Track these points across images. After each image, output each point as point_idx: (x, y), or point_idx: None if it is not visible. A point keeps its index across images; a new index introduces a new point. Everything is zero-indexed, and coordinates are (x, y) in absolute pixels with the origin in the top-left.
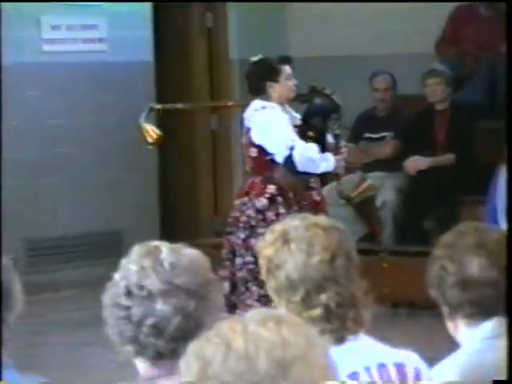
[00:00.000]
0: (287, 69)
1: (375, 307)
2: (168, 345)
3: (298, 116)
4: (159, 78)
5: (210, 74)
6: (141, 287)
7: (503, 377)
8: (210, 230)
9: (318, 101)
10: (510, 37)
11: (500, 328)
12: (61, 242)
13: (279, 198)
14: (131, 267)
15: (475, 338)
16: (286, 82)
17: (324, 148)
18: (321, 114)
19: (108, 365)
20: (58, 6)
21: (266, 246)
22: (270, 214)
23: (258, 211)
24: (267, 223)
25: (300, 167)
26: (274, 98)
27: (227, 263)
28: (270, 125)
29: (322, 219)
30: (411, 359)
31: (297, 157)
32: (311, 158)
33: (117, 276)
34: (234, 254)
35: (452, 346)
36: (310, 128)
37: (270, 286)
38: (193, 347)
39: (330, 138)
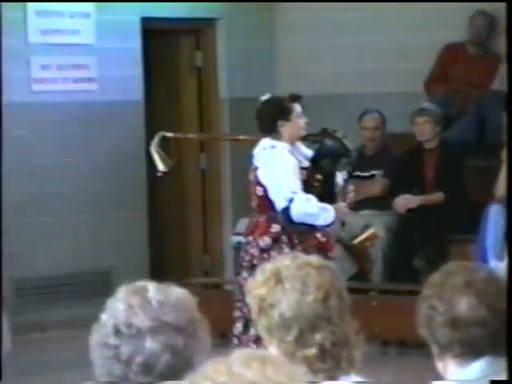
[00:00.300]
0: (298, 107)
1: (365, 346)
2: (158, 382)
3: (310, 153)
4: (149, 116)
5: (199, 113)
6: (129, 325)
7: None
8: (199, 270)
9: (328, 143)
10: (510, 37)
11: (489, 368)
12: (49, 282)
13: (284, 238)
14: (118, 306)
15: (465, 378)
16: (297, 121)
17: (332, 191)
18: (331, 156)
19: None
20: (48, 45)
21: (257, 285)
22: (274, 254)
23: (262, 250)
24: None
25: (296, 220)
26: (285, 137)
27: (238, 304)
28: (275, 170)
29: (313, 258)
30: None
31: (294, 210)
32: (308, 212)
33: (104, 316)
34: (243, 294)
35: None
36: (319, 170)
37: (262, 325)
38: None
39: (339, 181)
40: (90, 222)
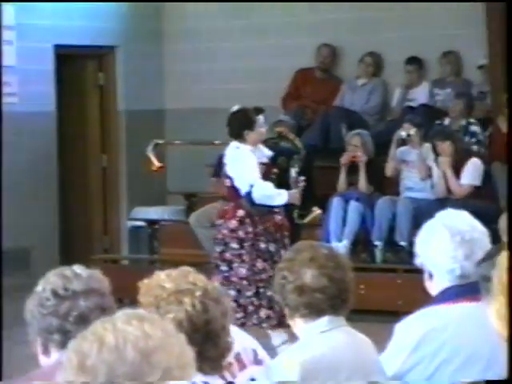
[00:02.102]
0: (261, 118)
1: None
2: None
3: (269, 152)
4: (60, 124)
5: (101, 122)
6: (66, 289)
7: (335, 363)
8: (100, 247)
9: (283, 144)
10: (509, 37)
11: (330, 324)
12: None
13: (247, 220)
14: (54, 278)
15: (312, 332)
16: (259, 130)
17: (287, 182)
18: (285, 154)
19: (17, 357)
20: None
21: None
22: (241, 233)
23: (232, 231)
24: (239, 240)
25: (257, 201)
26: (249, 142)
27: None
28: (239, 164)
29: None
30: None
31: (255, 193)
32: (266, 194)
33: (40, 287)
34: (217, 265)
35: (295, 339)
36: (276, 166)
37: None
38: (72, 344)
39: (292, 173)
40: (12, 209)
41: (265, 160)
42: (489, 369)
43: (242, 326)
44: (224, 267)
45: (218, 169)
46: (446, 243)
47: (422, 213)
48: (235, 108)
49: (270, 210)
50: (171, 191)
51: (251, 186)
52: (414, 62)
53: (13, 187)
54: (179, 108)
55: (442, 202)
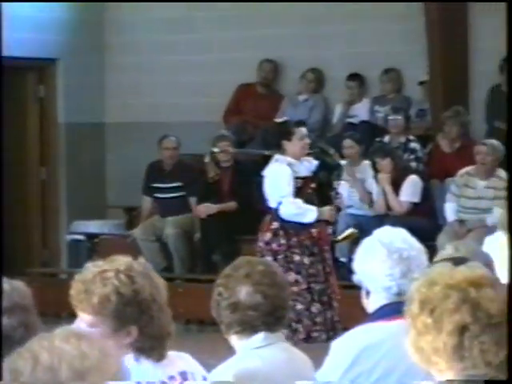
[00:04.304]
0: (302, 130)
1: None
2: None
3: (315, 163)
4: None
5: (41, 134)
6: None
7: (270, 378)
8: (39, 261)
9: (324, 158)
10: (509, 37)
11: (264, 341)
12: None
13: (281, 232)
14: None
15: (245, 348)
16: (299, 142)
17: (327, 197)
18: (326, 169)
19: None
20: None
21: None
22: (274, 245)
23: (266, 243)
24: (273, 252)
25: (285, 218)
26: (289, 153)
27: None
28: (271, 178)
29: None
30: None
31: (281, 211)
32: (293, 213)
33: None
34: None
35: (232, 354)
36: (314, 180)
37: None
38: (7, 361)
39: (334, 189)
40: None
41: (305, 174)
42: None
43: None
44: None
45: (148, 182)
46: (383, 261)
47: (362, 229)
48: (279, 120)
49: (303, 224)
50: (111, 205)
51: (279, 204)
52: (356, 78)
53: None
54: (120, 121)
55: (381, 219)
